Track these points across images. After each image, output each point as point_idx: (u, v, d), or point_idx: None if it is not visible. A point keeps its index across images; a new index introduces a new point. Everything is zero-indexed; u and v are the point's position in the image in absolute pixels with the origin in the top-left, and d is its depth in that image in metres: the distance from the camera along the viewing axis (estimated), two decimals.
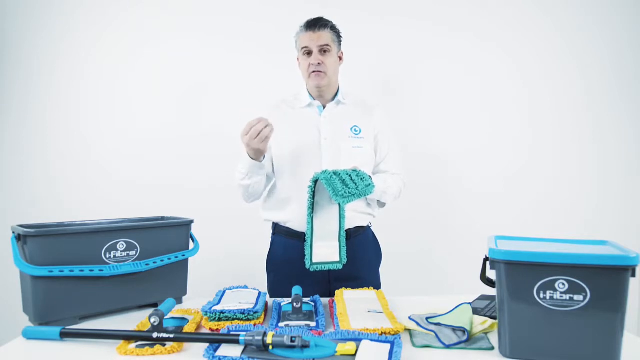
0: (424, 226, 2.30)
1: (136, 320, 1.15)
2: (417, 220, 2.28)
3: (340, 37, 1.57)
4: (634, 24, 2.27)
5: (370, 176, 1.34)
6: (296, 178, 1.48)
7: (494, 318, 1.10)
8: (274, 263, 1.58)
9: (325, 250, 1.35)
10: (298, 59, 1.58)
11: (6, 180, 2.27)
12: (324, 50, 1.50)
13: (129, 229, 1.24)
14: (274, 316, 1.16)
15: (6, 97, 2.26)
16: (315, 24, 1.50)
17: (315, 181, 1.31)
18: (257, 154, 1.40)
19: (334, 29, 1.54)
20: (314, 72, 1.50)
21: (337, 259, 1.36)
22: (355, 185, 1.27)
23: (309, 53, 1.51)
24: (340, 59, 1.59)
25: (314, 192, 1.33)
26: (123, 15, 2.26)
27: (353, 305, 1.19)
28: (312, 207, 1.33)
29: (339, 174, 1.29)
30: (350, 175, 1.29)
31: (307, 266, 1.32)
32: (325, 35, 1.51)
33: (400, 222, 2.18)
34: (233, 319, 1.09)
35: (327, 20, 1.53)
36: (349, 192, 1.24)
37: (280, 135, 1.51)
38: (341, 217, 1.37)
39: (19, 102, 2.26)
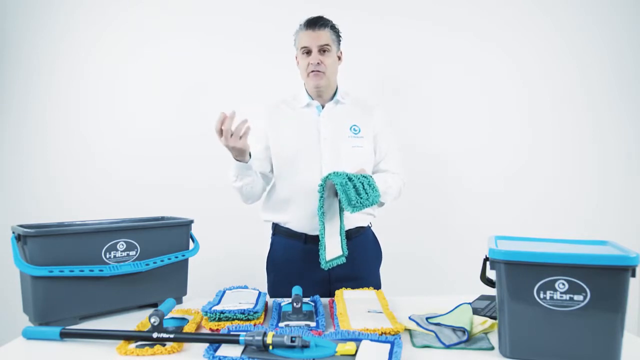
0: (424, 226, 2.29)
1: (136, 320, 1.15)
2: (417, 220, 2.28)
3: (340, 36, 1.57)
4: (634, 24, 2.27)
5: (375, 181, 1.35)
6: (296, 178, 1.48)
7: (494, 318, 1.10)
8: (274, 263, 1.58)
9: (333, 247, 1.36)
10: (296, 58, 1.58)
11: (6, 180, 2.27)
12: (323, 50, 1.49)
13: (129, 229, 1.24)
14: (274, 316, 1.16)
15: (6, 97, 2.26)
16: (315, 23, 1.49)
17: (325, 180, 1.32)
18: (240, 154, 1.38)
19: (333, 28, 1.53)
20: (312, 71, 1.49)
21: (341, 252, 1.37)
22: (367, 195, 1.27)
23: (308, 52, 1.50)
24: (340, 58, 1.58)
25: (324, 190, 1.33)
26: (123, 15, 2.26)
27: (353, 305, 1.19)
28: (322, 207, 1.34)
29: (353, 180, 1.29)
30: (363, 184, 1.29)
31: (322, 265, 1.33)
32: (325, 35, 1.50)
33: (400, 222, 2.18)
34: (233, 319, 1.09)
35: (327, 20, 1.52)
36: (361, 203, 1.25)
37: (280, 135, 1.51)
38: (341, 210, 1.39)
39: (19, 102, 2.26)
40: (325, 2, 2.06)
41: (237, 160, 1.41)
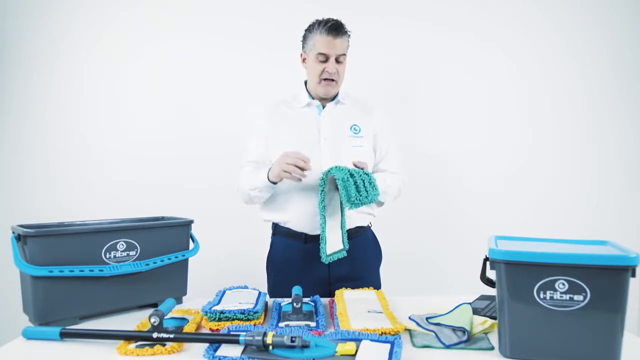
0: (424, 226, 2.30)
1: (136, 320, 1.15)
2: (417, 220, 2.28)
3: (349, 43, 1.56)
4: (634, 24, 2.28)
5: (375, 179, 1.35)
6: None
7: (494, 318, 1.10)
8: (274, 263, 1.58)
9: (333, 241, 1.36)
10: (302, 56, 1.55)
11: (6, 180, 2.27)
12: (339, 60, 1.48)
13: (129, 229, 1.24)
14: (274, 316, 1.16)
15: (6, 97, 2.26)
16: (338, 31, 1.45)
17: (326, 174, 1.32)
18: (276, 178, 1.39)
19: (349, 36, 1.51)
20: (326, 79, 1.48)
21: (341, 246, 1.37)
22: (367, 193, 1.27)
23: (325, 59, 1.47)
24: None
25: (325, 184, 1.33)
26: (123, 15, 2.26)
27: (353, 305, 1.19)
28: (323, 201, 1.34)
29: (355, 176, 1.29)
30: (364, 181, 1.29)
31: (323, 259, 1.34)
32: (344, 44, 1.48)
33: (400, 222, 2.18)
34: (233, 319, 1.09)
35: (346, 27, 1.49)
36: (360, 200, 1.25)
37: (280, 135, 1.51)
38: (342, 204, 1.39)
39: (19, 102, 2.26)
40: (325, 2, 2.06)
41: (269, 179, 1.41)
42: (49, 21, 2.25)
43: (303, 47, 1.55)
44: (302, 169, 1.33)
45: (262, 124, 1.54)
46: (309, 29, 1.51)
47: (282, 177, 1.36)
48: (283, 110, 1.57)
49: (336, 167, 1.32)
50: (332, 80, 1.48)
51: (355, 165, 1.38)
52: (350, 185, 1.25)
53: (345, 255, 1.37)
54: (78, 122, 2.27)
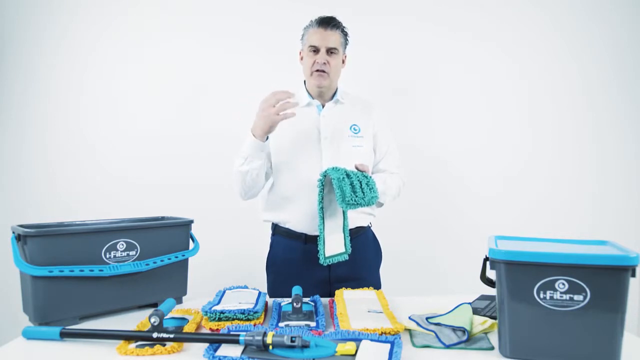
0: (424, 226, 2.30)
1: (136, 320, 1.15)
2: (417, 220, 2.28)
3: (348, 41, 1.57)
4: (634, 24, 2.27)
5: (374, 182, 1.34)
6: (295, 178, 1.48)
7: (494, 318, 1.10)
8: (273, 263, 1.58)
9: (334, 243, 1.35)
10: (301, 53, 1.57)
11: (6, 180, 2.27)
12: (330, 52, 1.49)
13: (129, 229, 1.24)
14: (274, 316, 1.16)
15: (6, 97, 2.26)
16: (328, 23, 1.48)
17: (324, 175, 1.32)
18: (265, 131, 1.37)
19: (344, 31, 1.53)
20: (317, 70, 1.49)
21: (343, 249, 1.36)
22: (363, 194, 1.26)
23: (316, 51, 1.49)
24: (343, 62, 1.58)
25: (323, 186, 1.32)
26: (123, 15, 2.26)
27: (353, 305, 1.19)
28: (322, 202, 1.33)
29: (351, 177, 1.28)
30: (361, 182, 1.28)
31: (321, 261, 1.33)
32: (335, 37, 1.49)
33: (400, 222, 2.18)
34: (233, 319, 1.09)
35: (340, 22, 1.52)
36: (355, 201, 1.24)
37: (280, 134, 1.51)
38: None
39: (19, 102, 2.26)
40: (325, 2, 2.06)
41: (255, 137, 1.39)
42: (49, 21, 2.25)
43: (301, 45, 1.57)
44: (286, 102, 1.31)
45: None
46: (305, 27, 1.55)
47: (275, 121, 1.33)
48: None
49: (333, 167, 1.31)
50: (323, 71, 1.48)
51: (357, 168, 1.37)
52: (346, 185, 1.24)
53: (347, 258, 1.36)
54: (78, 122, 2.27)
